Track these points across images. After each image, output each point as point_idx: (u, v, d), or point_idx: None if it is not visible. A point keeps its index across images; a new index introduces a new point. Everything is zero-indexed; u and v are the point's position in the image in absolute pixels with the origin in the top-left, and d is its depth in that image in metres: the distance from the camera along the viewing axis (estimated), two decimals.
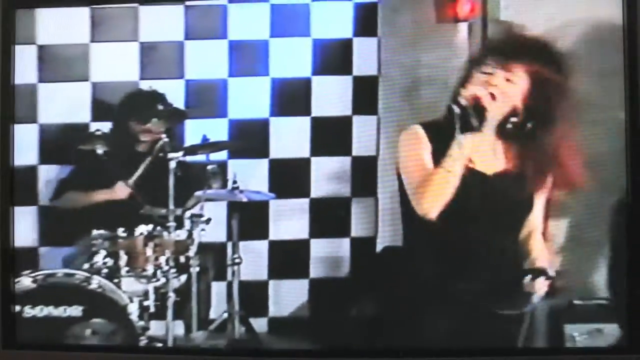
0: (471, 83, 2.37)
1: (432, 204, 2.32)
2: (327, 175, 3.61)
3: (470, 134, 2.30)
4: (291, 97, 3.56)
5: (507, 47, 2.43)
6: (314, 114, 3.58)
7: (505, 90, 2.33)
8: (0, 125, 3.41)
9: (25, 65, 3.48)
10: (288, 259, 3.60)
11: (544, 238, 2.53)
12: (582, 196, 2.91)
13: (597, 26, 3.04)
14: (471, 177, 2.35)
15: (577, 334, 3.08)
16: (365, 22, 3.54)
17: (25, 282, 3.27)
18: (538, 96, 2.34)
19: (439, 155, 2.35)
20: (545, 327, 3.11)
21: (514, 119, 2.34)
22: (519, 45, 2.44)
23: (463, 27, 3.35)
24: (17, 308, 3.27)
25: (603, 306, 2.97)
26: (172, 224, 3.33)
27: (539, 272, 2.50)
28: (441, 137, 2.36)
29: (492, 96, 2.30)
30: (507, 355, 2.83)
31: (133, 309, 3.28)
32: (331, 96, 3.54)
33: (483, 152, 2.37)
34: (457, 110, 2.30)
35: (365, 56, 3.50)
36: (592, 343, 3.09)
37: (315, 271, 3.57)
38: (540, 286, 2.50)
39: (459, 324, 2.45)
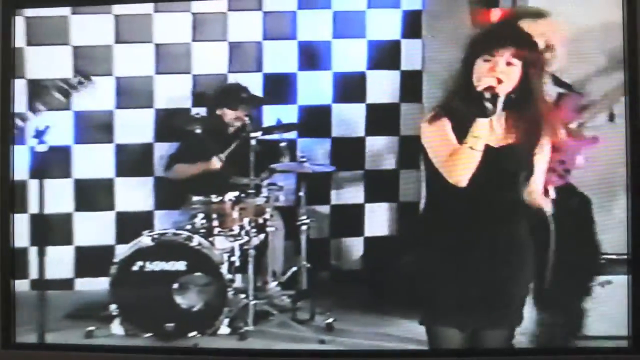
0: (477, 71, 2.37)
1: (462, 175, 2.36)
2: (379, 151, 3.79)
3: (488, 118, 2.36)
4: (349, 88, 3.72)
5: (504, 36, 2.42)
6: (368, 101, 3.75)
7: (508, 72, 2.35)
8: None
9: (145, 62, 3.66)
10: (346, 220, 3.79)
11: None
12: None
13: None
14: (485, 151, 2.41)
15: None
16: (412, 26, 3.66)
17: (145, 240, 3.36)
18: (527, 74, 2.38)
19: (458, 133, 2.38)
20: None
21: (512, 95, 2.37)
22: (511, 34, 2.46)
23: None
24: (139, 264, 3.32)
25: (613, 260, 2.98)
26: (252, 191, 3.49)
27: None
28: (460, 118, 2.38)
29: (499, 80, 2.33)
30: (508, 355, 2.63)
31: (223, 264, 3.39)
32: (383, 87, 3.69)
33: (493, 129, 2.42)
34: (486, 101, 2.31)
35: (411, 54, 3.64)
36: (604, 293, 3.09)
37: (369, 230, 3.80)
38: None
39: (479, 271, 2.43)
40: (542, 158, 2.43)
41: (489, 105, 2.32)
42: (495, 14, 3.40)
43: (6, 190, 3.02)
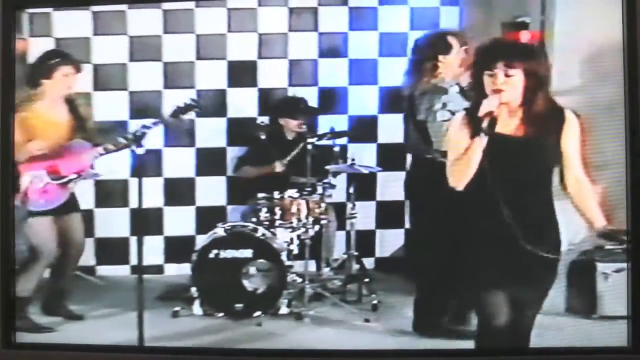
0: (486, 84, 2.40)
1: (459, 181, 2.39)
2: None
3: (486, 135, 2.36)
4: (393, 100, 3.78)
5: (504, 52, 2.45)
6: None
7: (508, 82, 2.38)
8: None
9: (217, 77, 3.87)
10: (389, 214, 3.90)
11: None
12: None
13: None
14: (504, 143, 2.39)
15: (608, 271, 3.19)
16: None
17: (220, 232, 3.46)
18: (529, 81, 2.39)
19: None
20: (581, 266, 3.25)
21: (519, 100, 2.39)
22: (502, 50, 2.48)
23: None
24: (215, 252, 3.39)
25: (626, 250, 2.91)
26: (309, 189, 3.61)
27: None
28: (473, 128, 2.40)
29: (500, 90, 2.37)
30: (510, 355, 2.54)
31: (283, 252, 3.48)
32: None
33: (507, 124, 2.42)
34: (481, 126, 2.35)
35: None
36: (619, 278, 3.06)
37: (409, 223, 3.76)
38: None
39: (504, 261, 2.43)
40: (570, 149, 2.41)
41: (486, 129, 2.35)
42: (525, 36, 3.45)
43: (5, 204, 2.81)
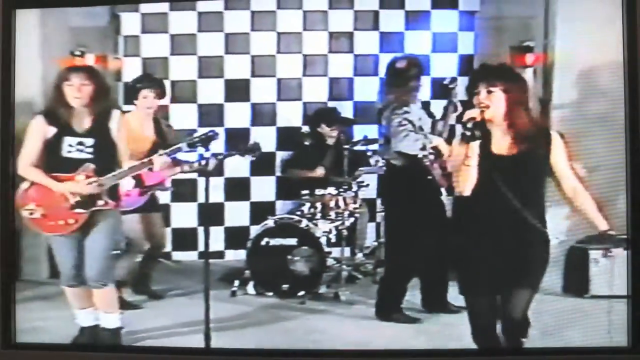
0: (471, 102, 2.54)
1: (464, 187, 2.48)
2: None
3: (475, 141, 2.46)
4: None
5: (486, 74, 2.58)
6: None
7: (491, 98, 2.48)
8: None
9: (267, 93, 4.13)
10: None
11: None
12: None
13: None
14: (495, 160, 2.46)
15: (598, 256, 3.29)
16: (465, 67, 3.94)
17: (270, 223, 3.65)
18: (508, 96, 2.50)
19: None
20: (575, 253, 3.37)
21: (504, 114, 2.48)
22: (485, 71, 2.62)
23: (529, 71, 3.64)
24: (266, 240, 3.58)
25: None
26: (346, 187, 3.77)
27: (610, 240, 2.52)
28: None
29: (486, 106, 2.49)
30: (511, 354, 2.47)
31: (323, 240, 3.66)
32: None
33: (500, 142, 2.50)
34: (465, 131, 2.48)
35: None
36: (608, 263, 3.09)
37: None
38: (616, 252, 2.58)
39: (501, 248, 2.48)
40: (560, 164, 2.52)
41: (470, 132, 2.46)
42: (530, 58, 3.64)
43: (5, 206, 2.69)
